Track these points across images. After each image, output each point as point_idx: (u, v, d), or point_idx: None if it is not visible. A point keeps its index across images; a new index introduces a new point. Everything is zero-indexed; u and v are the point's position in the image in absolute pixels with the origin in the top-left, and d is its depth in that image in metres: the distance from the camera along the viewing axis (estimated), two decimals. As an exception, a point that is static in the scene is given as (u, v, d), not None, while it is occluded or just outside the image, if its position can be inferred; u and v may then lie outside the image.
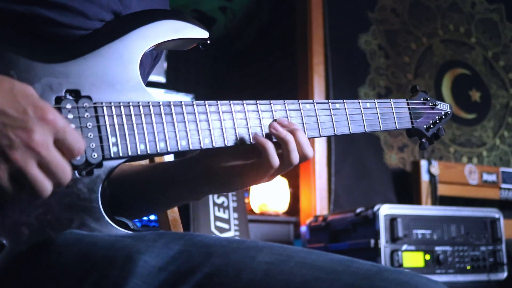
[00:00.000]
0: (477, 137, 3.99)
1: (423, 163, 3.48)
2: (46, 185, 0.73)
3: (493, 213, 2.86)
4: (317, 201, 3.33)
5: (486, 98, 4.10)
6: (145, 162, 1.31)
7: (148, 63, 1.05)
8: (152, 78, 3.98)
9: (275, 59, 3.95)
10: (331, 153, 3.42)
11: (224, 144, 0.93)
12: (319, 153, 3.38)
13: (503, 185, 3.72)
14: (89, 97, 0.84)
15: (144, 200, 1.09)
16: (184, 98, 4.28)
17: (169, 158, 2.72)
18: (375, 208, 2.60)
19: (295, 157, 0.96)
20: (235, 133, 0.94)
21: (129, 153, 0.84)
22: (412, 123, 1.16)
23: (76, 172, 0.82)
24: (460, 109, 3.99)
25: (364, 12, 3.75)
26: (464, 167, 3.64)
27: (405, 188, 3.56)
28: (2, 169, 0.70)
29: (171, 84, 4.27)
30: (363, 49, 3.70)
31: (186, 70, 4.44)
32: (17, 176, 0.71)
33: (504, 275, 2.78)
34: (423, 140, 1.21)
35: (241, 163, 0.99)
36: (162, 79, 4.10)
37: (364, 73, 3.66)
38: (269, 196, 3.29)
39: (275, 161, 0.94)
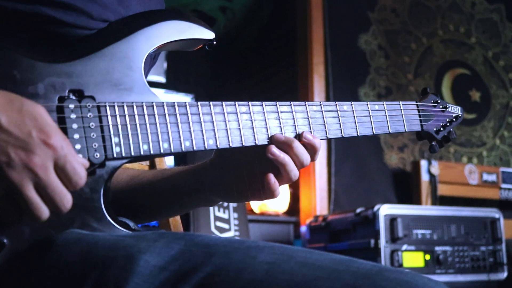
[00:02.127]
0: (477, 137, 3.99)
1: (423, 163, 3.48)
2: (42, 209, 0.72)
3: (493, 213, 2.86)
4: (317, 201, 3.33)
5: (486, 98, 4.10)
6: (145, 163, 1.32)
7: (147, 62, 1.05)
8: (152, 78, 3.98)
9: (275, 59, 3.94)
10: (331, 153, 3.42)
11: (229, 145, 0.92)
12: (319, 153, 3.37)
13: (503, 185, 3.72)
14: (92, 97, 0.83)
15: (156, 208, 1.10)
16: (184, 98, 4.28)
17: (169, 159, 2.72)
18: (375, 208, 2.60)
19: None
20: (240, 134, 0.93)
21: (132, 153, 0.84)
22: (421, 125, 1.15)
23: None
24: (460, 109, 3.99)
25: (364, 12, 3.75)
26: (464, 167, 3.64)
27: (405, 188, 3.56)
28: None
29: (171, 84, 4.26)
30: (363, 49, 3.70)
31: (186, 70, 4.43)
32: (13, 195, 0.71)
33: (504, 275, 2.78)
34: (433, 143, 1.20)
35: (252, 175, 0.99)
36: (162, 79, 4.09)
37: (364, 73, 3.66)
38: (269, 196, 3.28)
39: (295, 173, 0.96)
